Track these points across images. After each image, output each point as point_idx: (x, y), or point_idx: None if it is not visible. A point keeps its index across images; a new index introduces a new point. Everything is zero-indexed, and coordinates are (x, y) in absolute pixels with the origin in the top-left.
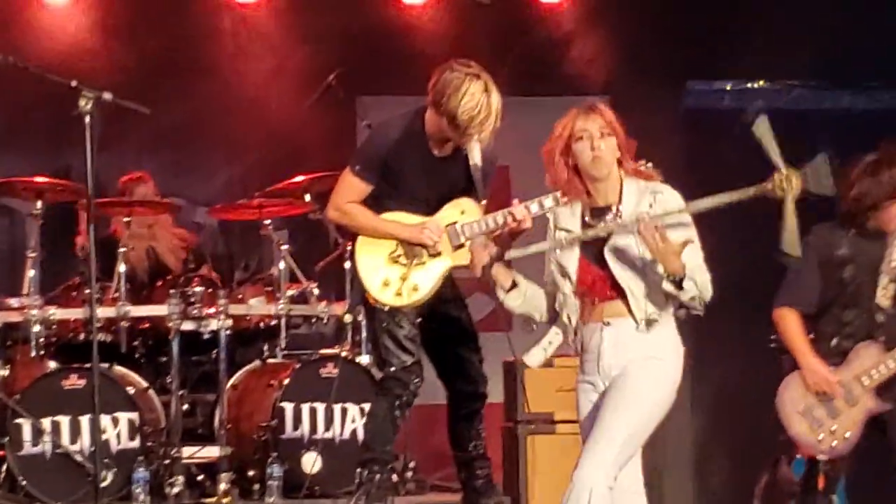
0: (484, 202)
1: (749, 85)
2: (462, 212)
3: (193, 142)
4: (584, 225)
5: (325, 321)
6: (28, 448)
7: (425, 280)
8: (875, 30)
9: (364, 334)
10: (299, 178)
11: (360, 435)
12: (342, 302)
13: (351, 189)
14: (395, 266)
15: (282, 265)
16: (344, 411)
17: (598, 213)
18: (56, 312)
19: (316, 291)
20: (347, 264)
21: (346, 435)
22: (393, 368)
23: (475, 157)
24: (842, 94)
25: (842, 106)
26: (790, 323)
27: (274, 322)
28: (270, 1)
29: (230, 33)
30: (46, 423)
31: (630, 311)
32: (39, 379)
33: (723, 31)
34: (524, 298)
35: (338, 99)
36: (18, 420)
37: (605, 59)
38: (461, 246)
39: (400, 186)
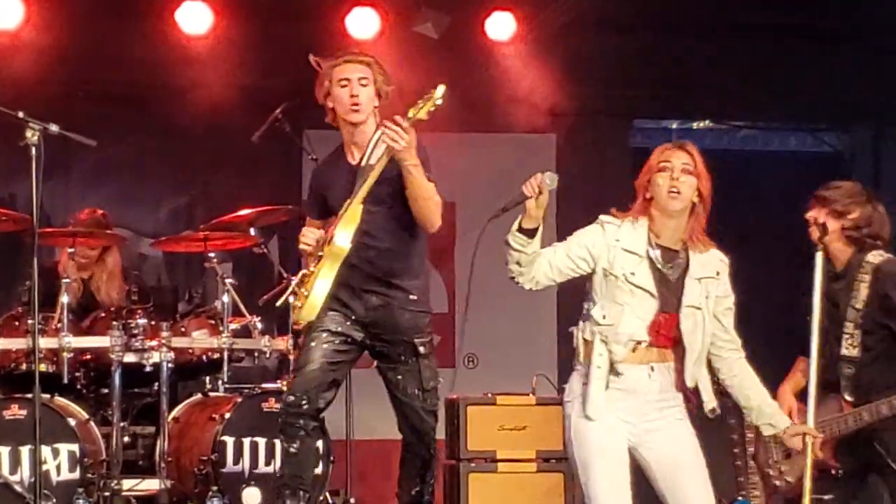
0: (357, 202)
1: (695, 125)
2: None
3: (139, 173)
4: (650, 258)
5: (267, 355)
6: None
7: (311, 285)
8: (821, 72)
9: None
10: (245, 212)
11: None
12: (285, 336)
13: (308, 224)
14: (301, 285)
15: (225, 298)
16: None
17: (663, 251)
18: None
19: (259, 325)
20: (292, 299)
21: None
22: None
23: (373, 155)
24: (788, 136)
25: (788, 148)
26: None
27: (217, 355)
28: (220, 33)
29: (179, 64)
30: None
31: (681, 363)
32: None
33: (670, 70)
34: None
35: (285, 133)
36: None
37: (553, 97)
38: (330, 240)
39: (332, 210)
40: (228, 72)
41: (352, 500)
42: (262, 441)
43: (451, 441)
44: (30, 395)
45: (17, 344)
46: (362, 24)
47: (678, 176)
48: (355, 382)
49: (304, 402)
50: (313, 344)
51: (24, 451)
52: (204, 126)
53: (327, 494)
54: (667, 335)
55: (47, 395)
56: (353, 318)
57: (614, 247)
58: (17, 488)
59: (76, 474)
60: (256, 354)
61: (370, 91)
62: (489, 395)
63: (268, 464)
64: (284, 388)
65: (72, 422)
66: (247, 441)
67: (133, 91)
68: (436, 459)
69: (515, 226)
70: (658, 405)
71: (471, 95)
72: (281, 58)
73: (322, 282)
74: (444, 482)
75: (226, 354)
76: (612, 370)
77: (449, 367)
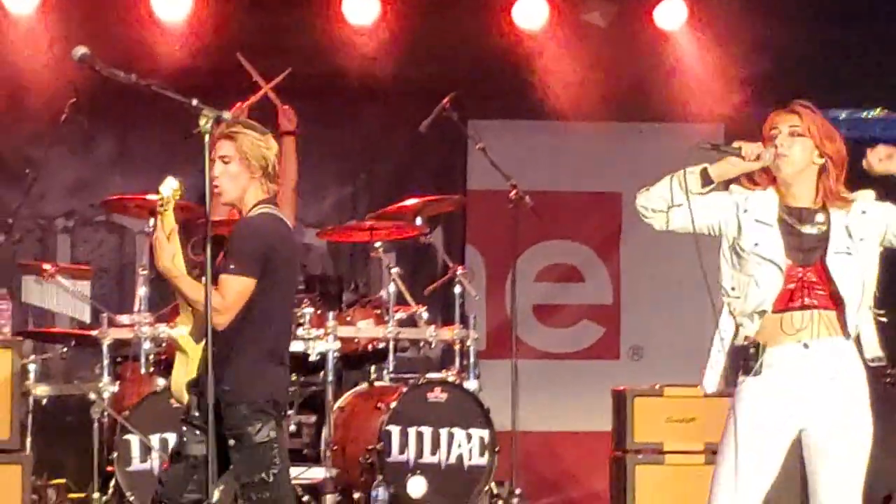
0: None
1: (865, 114)
2: None
3: (303, 163)
4: (784, 223)
5: (432, 345)
6: (136, 464)
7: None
8: None
9: (472, 359)
10: (411, 201)
11: (467, 461)
12: (451, 326)
13: None
14: None
15: (391, 288)
16: (451, 436)
17: (796, 212)
18: (166, 330)
19: (425, 315)
20: (457, 289)
21: (453, 460)
22: None
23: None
24: None
25: None
26: None
27: (382, 345)
28: (386, 24)
29: (344, 55)
30: (155, 439)
31: (843, 325)
32: (148, 396)
33: (840, 58)
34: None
35: (451, 122)
36: (127, 436)
37: (721, 86)
38: None
39: None
40: (395, 62)
41: (517, 491)
42: (427, 430)
43: (618, 433)
44: None
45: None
46: (530, 14)
47: (784, 141)
48: (521, 374)
49: None
50: None
51: None
52: (368, 116)
53: (492, 485)
54: (823, 294)
55: None
56: None
57: (743, 217)
58: None
59: None
60: (422, 344)
61: (231, 171)
62: (656, 386)
63: (433, 453)
64: (450, 378)
65: None
66: (412, 430)
67: (299, 82)
68: None
69: (699, 167)
70: (817, 383)
71: (638, 84)
72: (447, 48)
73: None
74: (610, 474)
75: (391, 344)
76: (758, 350)
77: (614, 359)
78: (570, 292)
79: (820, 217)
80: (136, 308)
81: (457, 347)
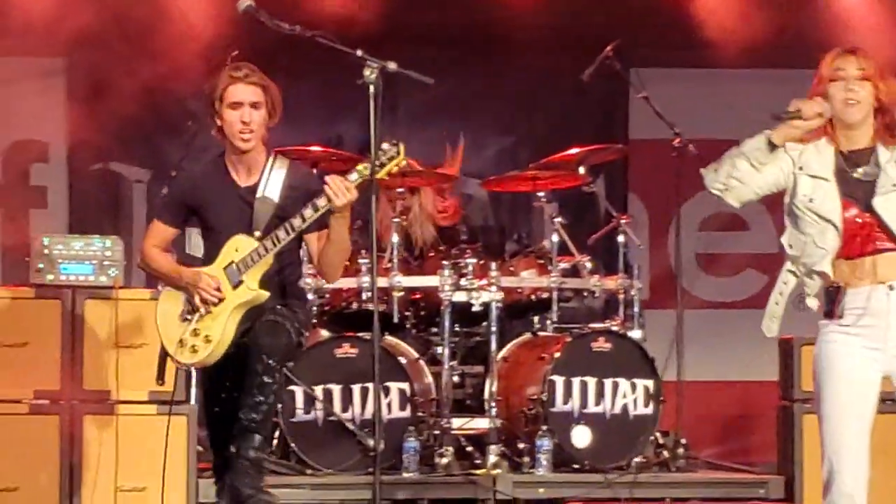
0: (257, 233)
1: None
2: (236, 249)
3: (464, 113)
4: (842, 172)
5: (596, 295)
6: (300, 415)
7: (215, 329)
8: None
9: (636, 309)
10: (573, 151)
11: (632, 410)
12: (614, 276)
13: (153, 233)
14: (186, 323)
15: (554, 238)
16: (615, 386)
17: (854, 157)
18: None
19: (588, 265)
20: (620, 238)
21: (617, 410)
22: None
23: (269, 186)
24: None
25: None
26: None
27: (545, 295)
28: None
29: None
30: (319, 390)
31: None
32: (312, 347)
33: None
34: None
35: (614, 71)
36: (292, 387)
37: (892, 35)
38: (240, 283)
39: (212, 227)
40: (556, 10)
41: (682, 441)
42: (591, 381)
43: (785, 382)
44: (361, 334)
45: (348, 283)
46: None
47: (853, 86)
48: (685, 323)
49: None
50: None
51: (356, 389)
52: (529, 65)
53: (657, 434)
54: (883, 237)
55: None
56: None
57: (798, 174)
58: (350, 426)
59: (406, 413)
60: (585, 294)
61: (262, 115)
62: None
63: (597, 403)
64: (614, 328)
65: (402, 361)
66: (576, 381)
67: (457, 32)
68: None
69: (762, 139)
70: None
71: (804, 31)
72: None
73: (222, 324)
74: (777, 423)
75: (555, 294)
76: (839, 293)
77: None
78: (734, 241)
79: (874, 158)
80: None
81: (620, 297)
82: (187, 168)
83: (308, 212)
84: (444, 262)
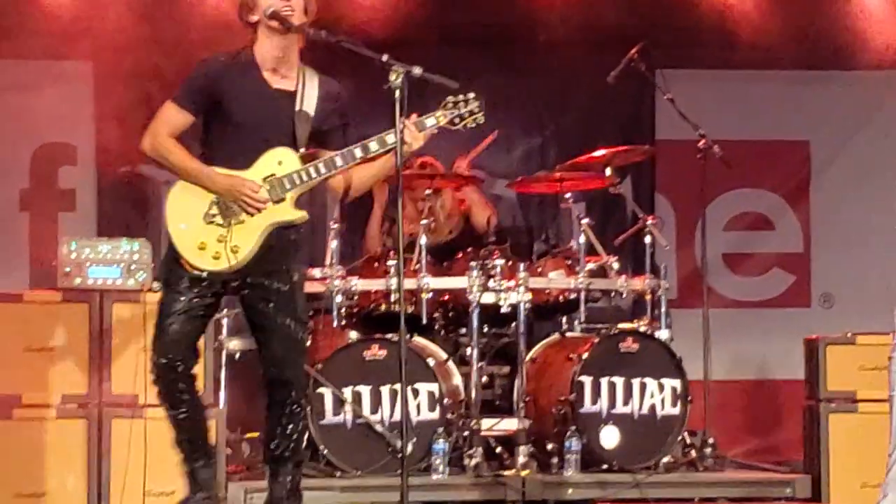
0: (302, 150)
1: None
2: (279, 162)
3: (491, 114)
4: None
5: (623, 295)
6: (329, 417)
7: (246, 240)
8: None
9: (663, 309)
10: (600, 152)
11: (659, 410)
12: (641, 276)
13: (167, 118)
14: (212, 227)
15: (581, 238)
16: (643, 386)
17: None
18: (358, 283)
19: (615, 265)
20: (647, 239)
21: (645, 410)
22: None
23: (306, 99)
24: None
25: None
26: None
27: (573, 295)
28: None
29: (531, 5)
30: (347, 392)
31: None
32: (341, 349)
33: None
34: None
35: (639, 72)
36: (320, 389)
37: None
38: (282, 200)
39: (239, 123)
40: (581, 11)
41: (709, 441)
42: (619, 381)
43: (811, 381)
44: (389, 336)
45: (376, 285)
46: None
47: None
48: (712, 322)
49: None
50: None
51: (385, 390)
52: (556, 66)
53: (685, 434)
54: None
55: (407, 336)
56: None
57: None
58: (378, 428)
59: (435, 414)
60: (612, 294)
61: (301, 2)
62: (849, 334)
63: (625, 403)
64: (642, 328)
65: (431, 362)
66: (604, 381)
67: (484, 33)
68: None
69: None
70: None
71: (827, 32)
72: None
73: (255, 236)
74: (803, 423)
75: (582, 295)
76: None
77: (804, 307)
78: (760, 240)
79: None
80: (328, 261)
81: (648, 297)
82: (205, 59)
83: (374, 145)
84: (472, 264)
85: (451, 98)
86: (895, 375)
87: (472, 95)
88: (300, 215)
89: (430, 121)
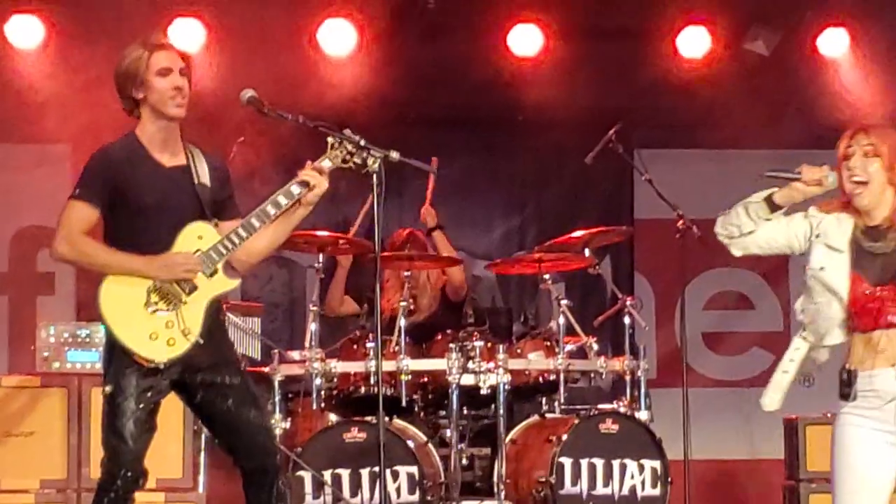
0: (218, 222)
1: None
2: (199, 237)
3: (471, 195)
4: (857, 246)
5: (603, 376)
6: (309, 500)
7: (194, 319)
8: None
9: (643, 389)
10: (579, 233)
11: (640, 492)
12: (621, 356)
13: (77, 217)
14: (156, 315)
15: (560, 319)
16: (623, 467)
17: (872, 232)
18: (337, 365)
19: (595, 346)
20: (626, 319)
21: (626, 491)
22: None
23: (200, 173)
24: None
25: None
26: None
27: (553, 377)
28: (551, 54)
29: (510, 86)
30: (327, 475)
31: None
32: (321, 432)
33: None
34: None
35: (617, 153)
36: (300, 472)
37: (884, 111)
38: (214, 272)
39: (143, 207)
40: (559, 92)
41: None
42: (599, 462)
43: (790, 461)
44: (369, 418)
45: (356, 367)
46: (693, 42)
47: (858, 163)
48: (693, 402)
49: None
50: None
51: (364, 473)
52: (534, 147)
53: None
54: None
55: (386, 418)
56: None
57: (815, 241)
58: None
59: (416, 496)
60: (592, 375)
61: (187, 84)
62: (828, 414)
63: (606, 485)
64: (622, 409)
65: (411, 444)
66: (584, 462)
67: (464, 113)
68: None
69: (763, 194)
70: None
71: (802, 112)
72: (612, 78)
73: (200, 314)
74: (783, 502)
75: (562, 376)
76: (850, 376)
77: None
78: (739, 319)
79: (892, 234)
80: (306, 344)
81: (627, 378)
82: (99, 150)
83: (283, 199)
84: (452, 345)
85: (335, 138)
86: None
87: (347, 132)
88: (235, 283)
89: (325, 163)
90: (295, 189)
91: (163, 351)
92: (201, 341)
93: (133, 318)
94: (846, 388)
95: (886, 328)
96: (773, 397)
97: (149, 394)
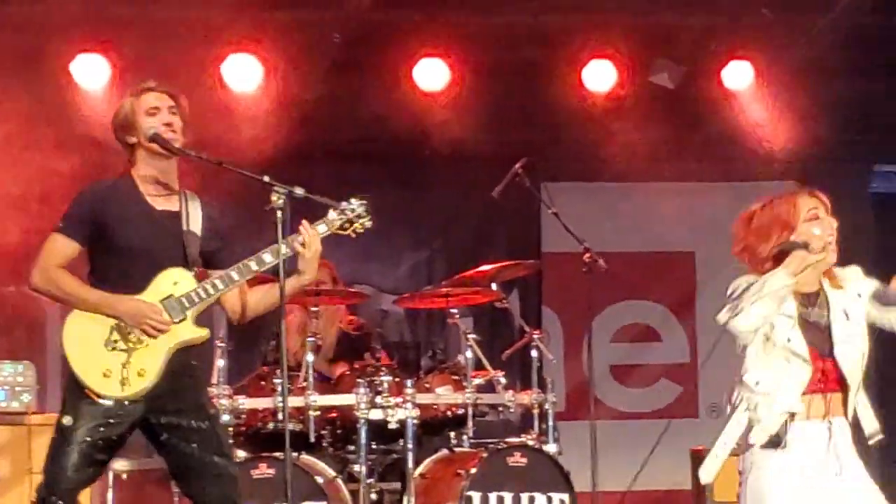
0: (196, 269)
1: None
2: (175, 283)
3: (379, 230)
4: (800, 315)
5: (511, 409)
6: None
7: (151, 362)
8: None
9: (551, 422)
10: (486, 267)
11: None
12: (529, 390)
13: (56, 250)
14: (115, 352)
15: (468, 353)
16: (532, 500)
17: (806, 300)
18: (245, 402)
19: (503, 380)
20: (534, 353)
21: None
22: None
23: (192, 221)
24: None
25: None
26: None
27: (461, 410)
28: (457, 89)
29: (417, 121)
30: None
31: (845, 407)
32: None
33: None
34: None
35: (524, 187)
36: None
37: (791, 144)
38: (183, 319)
39: (125, 247)
40: (466, 128)
41: None
42: (508, 496)
43: (698, 493)
44: (277, 454)
45: (263, 403)
46: (599, 76)
47: (827, 227)
48: (601, 435)
49: None
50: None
51: None
52: (442, 182)
53: None
54: (834, 379)
55: (295, 454)
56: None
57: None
58: None
59: None
60: (500, 409)
61: (180, 122)
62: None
63: None
64: (530, 442)
65: (319, 480)
66: (493, 496)
67: (371, 148)
68: None
69: (784, 276)
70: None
71: (707, 144)
72: (518, 111)
73: (160, 359)
74: None
75: (470, 410)
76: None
77: (692, 417)
78: (647, 352)
79: (821, 301)
80: (214, 380)
81: (535, 411)
82: (88, 185)
83: (268, 257)
84: (360, 380)
85: (341, 206)
86: None
87: (356, 201)
88: (202, 333)
89: (321, 227)
90: (283, 249)
91: (114, 388)
92: (150, 385)
93: (91, 353)
94: (778, 435)
95: (823, 392)
96: (711, 468)
97: (101, 428)
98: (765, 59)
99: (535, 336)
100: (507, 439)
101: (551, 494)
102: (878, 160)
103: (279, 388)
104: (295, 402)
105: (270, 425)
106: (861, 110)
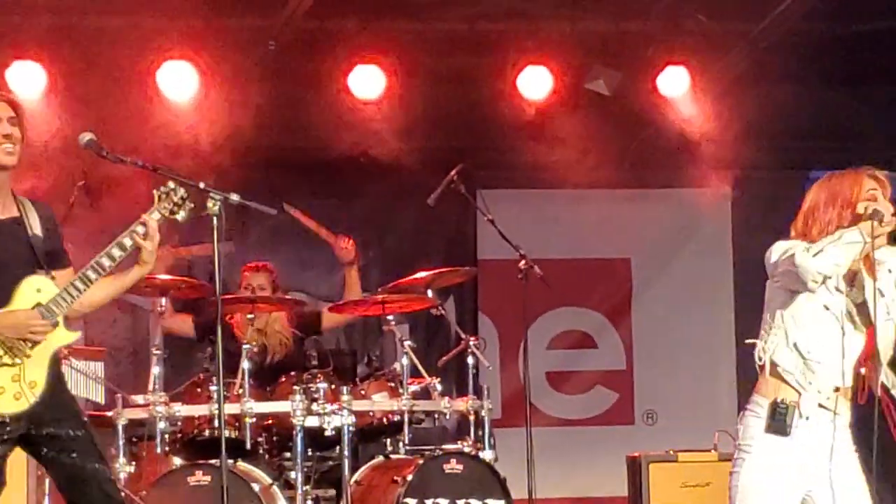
0: (53, 272)
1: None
2: (38, 290)
3: (314, 236)
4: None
5: (447, 416)
6: None
7: (38, 372)
8: None
9: (487, 429)
10: (422, 274)
11: None
12: (465, 397)
13: None
14: (3, 369)
15: (405, 360)
16: None
17: (846, 278)
18: (181, 409)
19: (439, 387)
20: (470, 360)
21: None
22: None
23: (33, 225)
24: None
25: None
26: None
27: (397, 417)
28: (393, 97)
29: (352, 128)
30: None
31: (852, 401)
32: (165, 475)
33: (845, 121)
34: None
35: (459, 194)
36: None
37: (727, 151)
38: (56, 324)
39: None
40: (402, 135)
41: None
42: (444, 502)
43: (634, 498)
44: (213, 461)
45: (199, 410)
46: (534, 83)
47: (886, 207)
48: (537, 441)
49: None
50: None
51: None
52: (377, 188)
53: None
54: (863, 356)
55: (231, 461)
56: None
57: (829, 282)
58: None
59: None
60: (436, 416)
61: (19, 133)
62: (671, 451)
63: None
64: (466, 449)
65: (255, 487)
66: (429, 503)
67: (306, 155)
68: None
69: (866, 232)
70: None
71: (643, 151)
72: (454, 120)
73: (45, 366)
74: None
75: (406, 416)
76: (787, 411)
77: (628, 424)
78: (582, 359)
79: (859, 279)
80: (150, 387)
81: (471, 418)
82: None
83: (117, 251)
84: (296, 387)
85: (161, 190)
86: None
87: (171, 185)
88: (76, 335)
89: (154, 215)
90: (127, 241)
91: (10, 405)
92: (41, 395)
93: None
94: (781, 422)
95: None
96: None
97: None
98: (701, 65)
99: (471, 343)
100: (444, 446)
101: (488, 501)
102: (814, 167)
103: (215, 396)
104: (231, 409)
105: (206, 432)
106: (797, 117)
